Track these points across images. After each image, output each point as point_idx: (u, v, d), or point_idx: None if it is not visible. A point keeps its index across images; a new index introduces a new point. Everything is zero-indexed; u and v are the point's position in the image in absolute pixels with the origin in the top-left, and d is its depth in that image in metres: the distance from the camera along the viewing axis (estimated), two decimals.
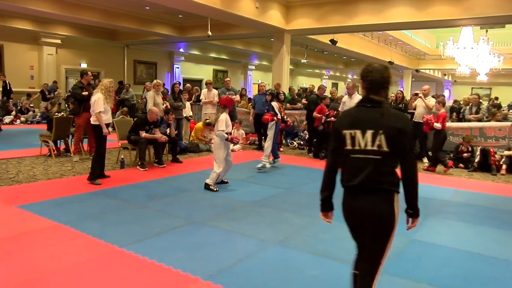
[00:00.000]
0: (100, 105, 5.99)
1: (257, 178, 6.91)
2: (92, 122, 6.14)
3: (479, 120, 9.42)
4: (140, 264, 3.38)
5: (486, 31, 18.51)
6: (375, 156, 2.18)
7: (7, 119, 13.99)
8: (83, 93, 7.77)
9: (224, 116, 6.14)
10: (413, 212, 2.31)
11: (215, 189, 5.93)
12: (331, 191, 2.41)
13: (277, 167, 7.88)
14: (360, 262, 2.37)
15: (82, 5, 12.90)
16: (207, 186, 6.00)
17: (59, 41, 16.79)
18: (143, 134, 7.32)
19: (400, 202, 2.25)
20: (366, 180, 2.20)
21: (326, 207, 2.46)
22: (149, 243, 3.84)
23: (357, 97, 7.82)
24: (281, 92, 9.49)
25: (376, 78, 2.26)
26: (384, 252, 2.27)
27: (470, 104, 10.22)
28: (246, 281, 3.17)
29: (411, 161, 2.24)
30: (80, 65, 17.75)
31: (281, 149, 9.95)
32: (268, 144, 7.66)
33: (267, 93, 7.93)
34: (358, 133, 2.21)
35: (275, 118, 7.55)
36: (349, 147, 2.24)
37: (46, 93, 15.27)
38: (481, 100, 10.76)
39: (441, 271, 3.48)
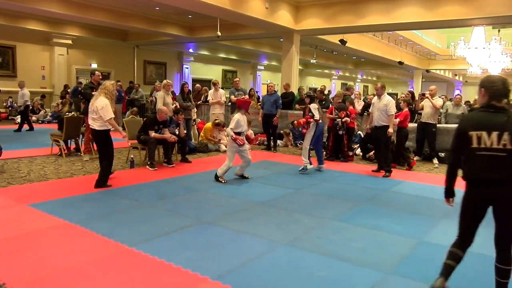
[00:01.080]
0: (110, 111, 5.68)
1: (266, 178, 6.90)
2: (97, 128, 5.75)
3: None
4: (148, 263, 3.39)
5: (499, 30, 18.25)
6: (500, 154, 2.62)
7: (19, 118, 14.16)
8: (93, 93, 7.82)
9: (238, 116, 6.55)
10: None
11: (223, 181, 6.40)
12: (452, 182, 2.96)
13: (296, 169, 7.85)
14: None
15: (92, 5, 13.03)
16: (216, 177, 6.46)
17: (70, 42, 16.97)
18: (153, 134, 7.35)
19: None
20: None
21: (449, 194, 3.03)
22: (158, 243, 3.85)
23: (386, 97, 7.49)
24: (315, 95, 8.41)
25: (499, 88, 2.70)
26: None
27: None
28: (254, 282, 3.16)
29: None
30: (91, 65, 17.91)
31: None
32: (304, 147, 7.44)
33: (305, 96, 7.97)
34: (484, 133, 2.64)
35: (312, 120, 7.25)
36: (475, 145, 2.68)
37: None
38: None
39: (454, 274, 3.43)
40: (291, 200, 5.59)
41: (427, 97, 8.57)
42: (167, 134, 7.59)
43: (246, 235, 4.16)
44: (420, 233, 4.40)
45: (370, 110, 8.01)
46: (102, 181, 5.81)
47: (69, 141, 8.43)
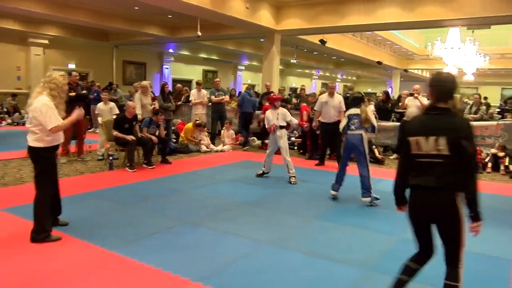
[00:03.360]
0: (54, 116, 3.75)
1: (249, 178, 6.89)
2: (31, 144, 3.91)
3: (478, 120, 9.53)
4: (129, 266, 3.33)
5: (473, 31, 18.73)
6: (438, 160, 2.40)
7: None
8: (71, 93, 7.68)
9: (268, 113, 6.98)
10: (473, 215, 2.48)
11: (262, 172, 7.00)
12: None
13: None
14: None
15: (70, 5, 12.75)
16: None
17: (46, 42, 16.58)
18: (115, 133, 7.24)
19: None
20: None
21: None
22: (139, 245, 3.79)
23: (337, 96, 8.22)
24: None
25: (446, 88, 2.46)
26: None
27: (471, 104, 10.38)
28: (238, 283, 3.14)
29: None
30: (68, 66, 17.56)
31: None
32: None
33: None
34: (422, 139, 2.43)
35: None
36: (414, 151, 2.48)
37: None
38: (482, 101, 10.94)
39: (433, 269, 3.47)
40: (275, 200, 5.59)
41: (415, 97, 8.70)
42: (145, 134, 7.55)
43: (229, 235, 4.13)
44: (400, 230, 4.45)
45: (316, 108, 8.38)
46: (39, 231, 3.79)
47: None
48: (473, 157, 2.37)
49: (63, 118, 3.91)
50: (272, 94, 7.49)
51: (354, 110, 5.62)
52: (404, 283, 2.62)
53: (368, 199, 5.41)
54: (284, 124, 6.78)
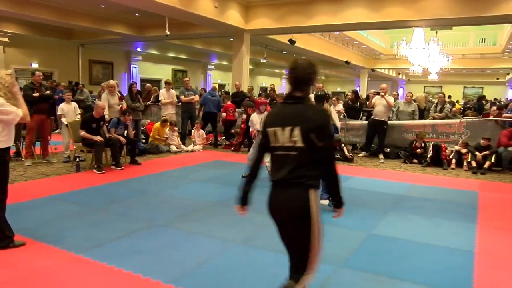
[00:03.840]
0: (12, 108, 3.57)
1: (219, 178, 6.87)
2: None
3: (443, 118, 9.84)
4: (98, 270, 3.26)
5: (436, 32, 19.41)
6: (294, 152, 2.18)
7: None
8: (34, 94, 7.45)
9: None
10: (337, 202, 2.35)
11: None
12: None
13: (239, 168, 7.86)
14: None
15: (32, 1, 12.33)
16: None
17: (6, 40, 15.95)
18: (82, 133, 7.08)
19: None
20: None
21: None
22: (108, 248, 3.72)
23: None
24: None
25: (299, 75, 2.24)
26: None
27: (436, 102, 10.70)
28: (208, 282, 3.13)
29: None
30: (31, 65, 16.97)
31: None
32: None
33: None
34: (279, 130, 2.21)
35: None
36: (272, 144, 2.26)
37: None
38: (446, 99, 11.31)
39: (400, 263, 3.59)
40: None
41: (382, 95, 8.89)
42: (113, 135, 7.42)
43: (199, 236, 4.12)
44: (369, 226, 4.57)
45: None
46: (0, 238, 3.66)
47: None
48: (327, 148, 2.19)
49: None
50: (257, 98, 7.53)
51: None
52: None
53: (327, 201, 5.00)
54: None
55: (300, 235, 2.22)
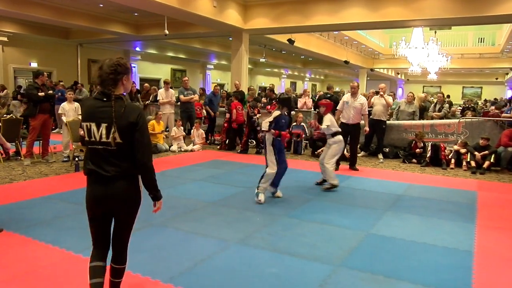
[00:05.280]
0: None
1: (217, 177, 6.88)
2: None
3: (442, 117, 9.85)
4: None
5: (435, 32, 19.41)
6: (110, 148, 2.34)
7: None
8: (39, 93, 7.46)
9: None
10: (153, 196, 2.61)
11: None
12: None
13: (240, 167, 7.86)
14: None
15: (31, 1, 12.31)
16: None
17: (5, 39, 15.93)
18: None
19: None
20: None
21: None
22: None
23: (360, 97, 7.92)
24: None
25: (102, 73, 2.35)
26: None
27: (435, 102, 10.72)
28: (206, 282, 3.14)
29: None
30: (30, 65, 16.95)
31: None
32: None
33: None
34: (93, 125, 2.36)
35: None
36: (87, 138, 2.41)
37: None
38: (445, 99, 11.33)
39: (399, 263, 3.60)
40: (242, 199, 5.60)
41: (380, 95, 8.89)
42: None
43: (197, 235, 4.12)
44: (367, 226, 4.57)
45: (339, 108, 8.01)
46: None
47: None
48: (141, 145, 2.37)
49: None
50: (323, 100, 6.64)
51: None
52: (102, 285, 2.53)
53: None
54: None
55: (127, 219, 2.68)
